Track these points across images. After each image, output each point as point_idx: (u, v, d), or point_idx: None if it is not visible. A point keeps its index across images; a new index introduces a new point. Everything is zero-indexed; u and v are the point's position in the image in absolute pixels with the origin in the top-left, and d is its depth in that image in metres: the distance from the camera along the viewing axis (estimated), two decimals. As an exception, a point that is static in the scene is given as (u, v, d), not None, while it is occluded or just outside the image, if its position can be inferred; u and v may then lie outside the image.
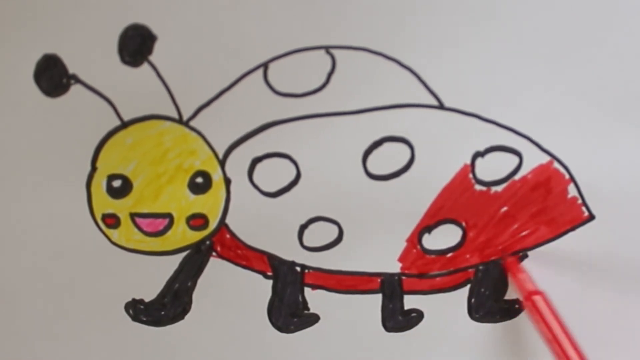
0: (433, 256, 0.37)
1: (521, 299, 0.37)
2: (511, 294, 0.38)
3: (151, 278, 0.36)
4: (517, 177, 0.36)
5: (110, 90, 0.33)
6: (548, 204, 0.36)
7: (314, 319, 0.38)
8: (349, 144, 0.34)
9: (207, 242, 0.36)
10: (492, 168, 0.35)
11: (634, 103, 0.35)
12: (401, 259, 0.37)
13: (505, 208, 0.36)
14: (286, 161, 0.35)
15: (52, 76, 0.33)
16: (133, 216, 0.35)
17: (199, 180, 0.35)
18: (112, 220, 0.35)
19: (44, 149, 0.34)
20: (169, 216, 0.35)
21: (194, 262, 0.36)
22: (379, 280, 0.37)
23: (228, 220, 0.36)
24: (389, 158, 0.35)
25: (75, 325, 0.37)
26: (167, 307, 0.37)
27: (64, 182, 0.35)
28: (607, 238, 0.37)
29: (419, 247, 0.37)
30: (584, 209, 0.36)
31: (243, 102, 0.34)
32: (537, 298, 0.36)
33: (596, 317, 0.38)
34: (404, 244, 0.37)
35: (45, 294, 0.36)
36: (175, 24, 0.33)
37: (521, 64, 0.34)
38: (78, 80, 0.33)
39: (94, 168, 0.34)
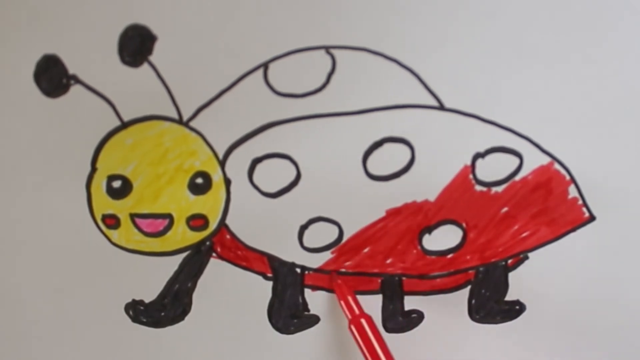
0: (433, 257, 0.37)
1: (348, 321, 0.36)
2: (512, 295, 0.38)
3: (151, 279, 0.36)
4: (517, 177, 0.36)
5: (110, 91, 0.33)
6: (549, 204, 0.36)
7: (314, 320, 0.38)
8: (349, 144, 0.34)
9: (207, 243, 0.36)
10: (493, 169, 0.35)
11: (634, 103, 0.35)
12: (402, 259, 0.37)
13: (505, 209, 0.36)
14: (286, 161, 0.35)
15: (52, 76, 0.33)
16: (133, 217, 0.35)
17: (199, 180, 0.35)
18: (112, 221, 0.35)
19: (44, 149, 0.34)
20: (169, 217, 0.35)
21: (194, 262, 0.36)
22: (379, 280, 0.37)
23: (228, 221, 0.36)
24: (389, 159, 0.35)
25: (75, 325, 0.37)
26: (167, 308, 0.37)
27: (64, 182, 0.35)
28: (608, 239, 0.37)
29: (419, 247, 0.37)
30: (584, 209, 0.36)
31: (243, 102, 0.34)
32: (362, 321, 0.35)
33: (596, 317, 0.38)
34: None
35: (45, 294, 0.36)
36: (175, 24, 0.33)
37: (521, 64, 0.34)
38: (78, 81, 0.33)
39: (93, 168, 0.34)
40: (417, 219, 0.36)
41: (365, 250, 0.37)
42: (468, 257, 0.37)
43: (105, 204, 0.35)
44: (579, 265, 0.37)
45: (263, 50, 0.33)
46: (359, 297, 0.37)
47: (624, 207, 0.36)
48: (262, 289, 0.37)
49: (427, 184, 0.35)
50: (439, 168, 0.35)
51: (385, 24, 0.33)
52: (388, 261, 0.37)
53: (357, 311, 0.36)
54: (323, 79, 0.34)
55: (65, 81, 0.33)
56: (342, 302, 0.36)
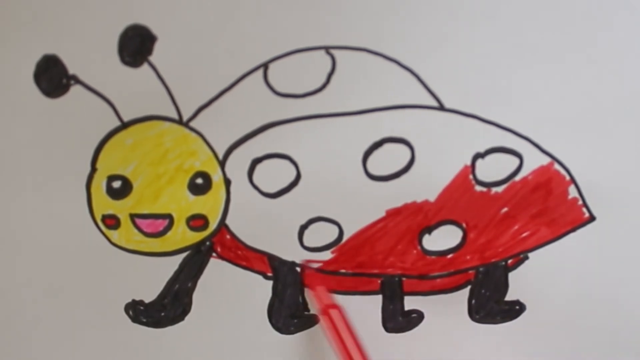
0: (433, 257, 0.37)
1: (318, 312, 0.36)
2: (512, 295, 0.38)
3: (151, 279, 0.36)
4: (517, 178, 0.36)
5: (110, 91, 0.33)
6: (549, 205, 0.36)
7: (314, 320, 0.38)
8: (349, 144, 0.34)
9: (207, 243, 0.36)
10: (493, 169, 0.35)
11: (634, 103, 0.35)
12: (402, 259, 0.37)
13: (505, 209, 0.36)
14: (286, 162, 0.35)
15: (52, 77, 0.33)
16: (133, 217, 0.35)
17: (199, 181, 0.35)
18: (112, 221, 0.35)
19: (44, 149, 0.34)
20: (169, 217, 0.35)
21: (194, 262, 0.36)
22: (379, 281, 0.37)
23: (228, 221, 0.36)
24: (389, 159, 0.35)
25: (75, 325, 0.37)
26: (167, 308, 0.37)
27: (64, 183, 0.35)
28: (608, 239, 0.37)
29: (419, 248, 0.37)
30: (584, 209, 0.36)
31: (243, 102, 0.34)
32: (334, 312, 0.35)
33: (596, 317, 0.38)
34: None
35: (46, 294, 0.36)
36: (175, 24, 0.33)
37: (521, 64, 0.34)
38: (78, 81, 0.33)
39: (94, 169, 0.34)
40: (417, 219, 0.36)
41: (365, 250, 0.37)
42: (468, 257, 0.37)
43: (105, 204, 0.35)
44: (579, 265, 0.37)
45: (263, 50, 0.33)
46: (359, 297, 0.37)
47: (624, 207, 0.36)
48: (262, 289, 0.37)
49: (427, 184, 0.35)
50: (439, 168, 0.35)
51: (385, 24, 0.33)
52: (388, 261, 0.37)
53: (327, 302, 0.36)
54: (323, 79, 0.34)
55: (65, 81, 0.33)
56: (315, 292, 0.36)
